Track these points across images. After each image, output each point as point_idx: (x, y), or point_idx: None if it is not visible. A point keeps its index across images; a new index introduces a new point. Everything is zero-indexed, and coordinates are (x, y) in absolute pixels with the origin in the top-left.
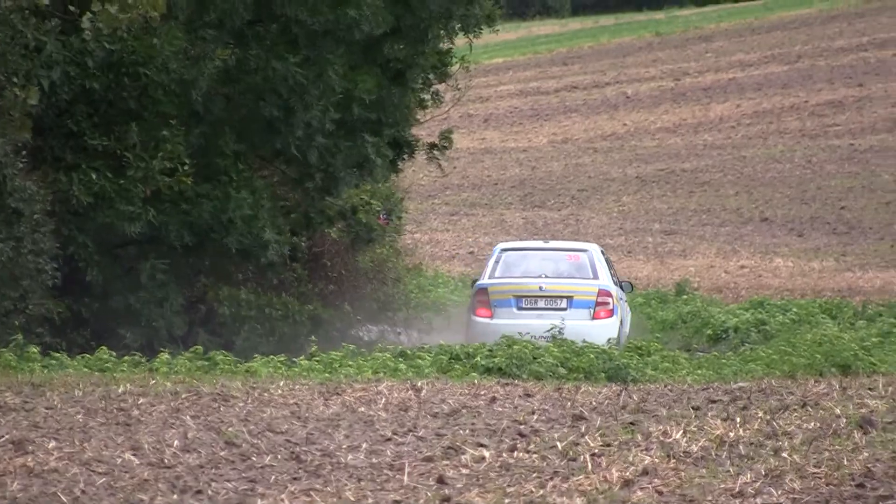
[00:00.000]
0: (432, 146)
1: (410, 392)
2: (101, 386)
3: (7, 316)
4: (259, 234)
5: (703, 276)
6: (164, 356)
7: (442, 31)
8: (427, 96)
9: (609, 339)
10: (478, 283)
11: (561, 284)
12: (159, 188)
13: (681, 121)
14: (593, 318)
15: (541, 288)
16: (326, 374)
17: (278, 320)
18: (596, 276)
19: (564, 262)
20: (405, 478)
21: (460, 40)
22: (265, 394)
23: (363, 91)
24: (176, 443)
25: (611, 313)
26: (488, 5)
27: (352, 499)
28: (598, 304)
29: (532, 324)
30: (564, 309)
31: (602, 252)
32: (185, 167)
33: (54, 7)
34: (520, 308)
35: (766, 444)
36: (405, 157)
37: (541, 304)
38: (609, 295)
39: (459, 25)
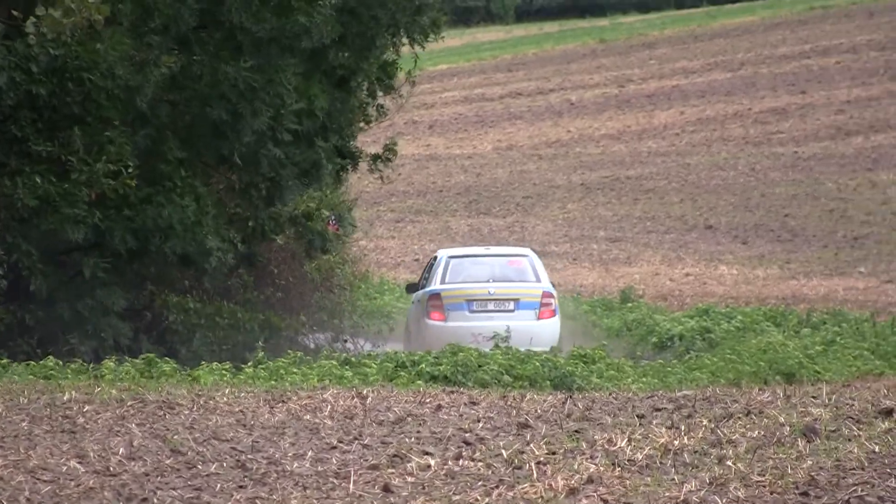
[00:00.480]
0: (375, 157)
1: (356, 400)
2: (46, 393)
3: None
4: (202, 241)
5: (647, 283)
6: (110, 364)
7: (389, 39)
8: (372, 111)
9: (552, 348)
10: (429, 289)
11: (508, 288)
12: (104, 191)
13: (625, 128)
14: (538, 318)
15: (490, 292)
16: (272, 382)
17: (227, 329)
18: (538, 280)
19: (508, 267)
20: (351, 486)
21: (405, 48)
22: (210, 401)
23: (318, 108)
24: (121, 450)
25: (553, 313)
26: (434, 14)
27: None
28: (542, 305)
29: (484, 325)
30: (512, 311)
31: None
32: (130, 170)
33: None
34: (471, 311)
35: (711, 452)
36: (349, 167)
37: (490, 306)
38: (552, 296)
39: (405, 33)
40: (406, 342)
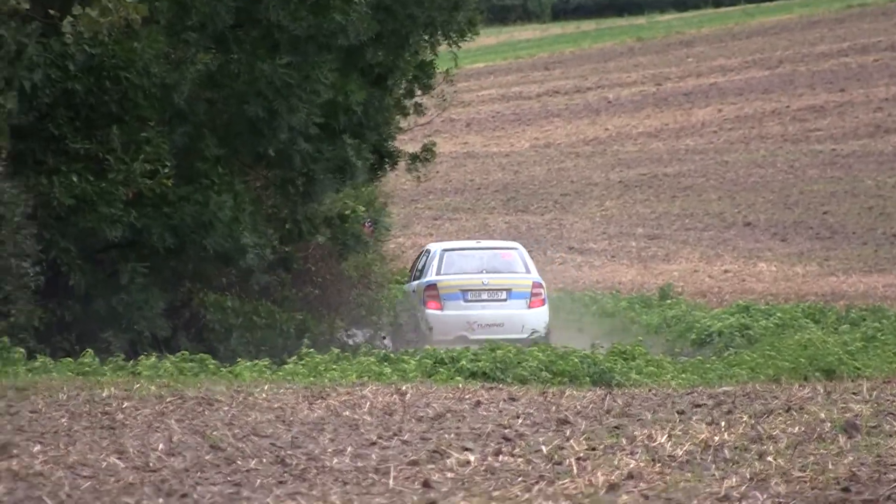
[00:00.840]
0: (414, 157)
1: (395, 396)
2: (85, 390)
3: None
4: (238, 237)
5: (686, 280)
6: (148, 361)
7: (425, 38)
8: (409, 104)
9: (533, 332)
10: (425, 279)
11: (501, 279)
12: (141, 191)
13: (663, 125)
14: (529, 306)
15: (483, 282)
16: (311, 378)
17: (264, 329)
18: (528, 271)
19: (500, 259)
20: (391, 482)
21: (442, 47)
22: (250, 398)
23: (354, 103)
24: (161, 446)
25: (543, 302)
26: (471, 13)
27: (337, 503)
28: (532, 294)
29: (478, 314)
30: (505, 300)
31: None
32: (166, 169)
33: (34, 11)
34: (466, 300)
35: (751, 448)
36: (387, 167)
37: (484, 296)
38: (541, 286)
39: (441, 33)
40: (395, 332)
